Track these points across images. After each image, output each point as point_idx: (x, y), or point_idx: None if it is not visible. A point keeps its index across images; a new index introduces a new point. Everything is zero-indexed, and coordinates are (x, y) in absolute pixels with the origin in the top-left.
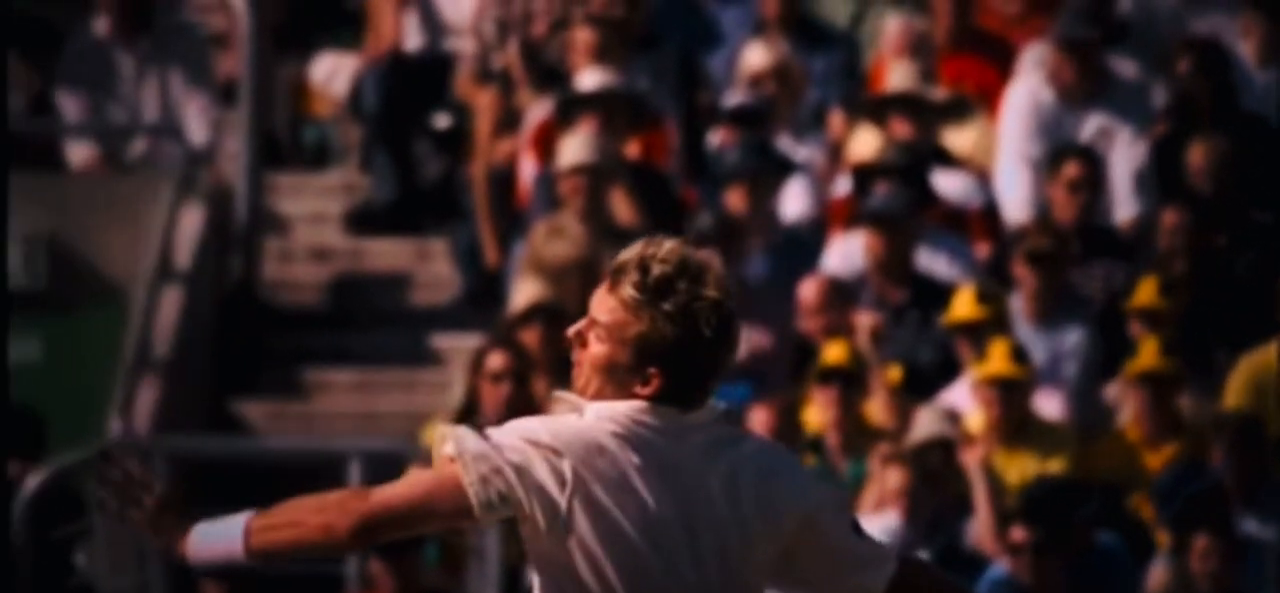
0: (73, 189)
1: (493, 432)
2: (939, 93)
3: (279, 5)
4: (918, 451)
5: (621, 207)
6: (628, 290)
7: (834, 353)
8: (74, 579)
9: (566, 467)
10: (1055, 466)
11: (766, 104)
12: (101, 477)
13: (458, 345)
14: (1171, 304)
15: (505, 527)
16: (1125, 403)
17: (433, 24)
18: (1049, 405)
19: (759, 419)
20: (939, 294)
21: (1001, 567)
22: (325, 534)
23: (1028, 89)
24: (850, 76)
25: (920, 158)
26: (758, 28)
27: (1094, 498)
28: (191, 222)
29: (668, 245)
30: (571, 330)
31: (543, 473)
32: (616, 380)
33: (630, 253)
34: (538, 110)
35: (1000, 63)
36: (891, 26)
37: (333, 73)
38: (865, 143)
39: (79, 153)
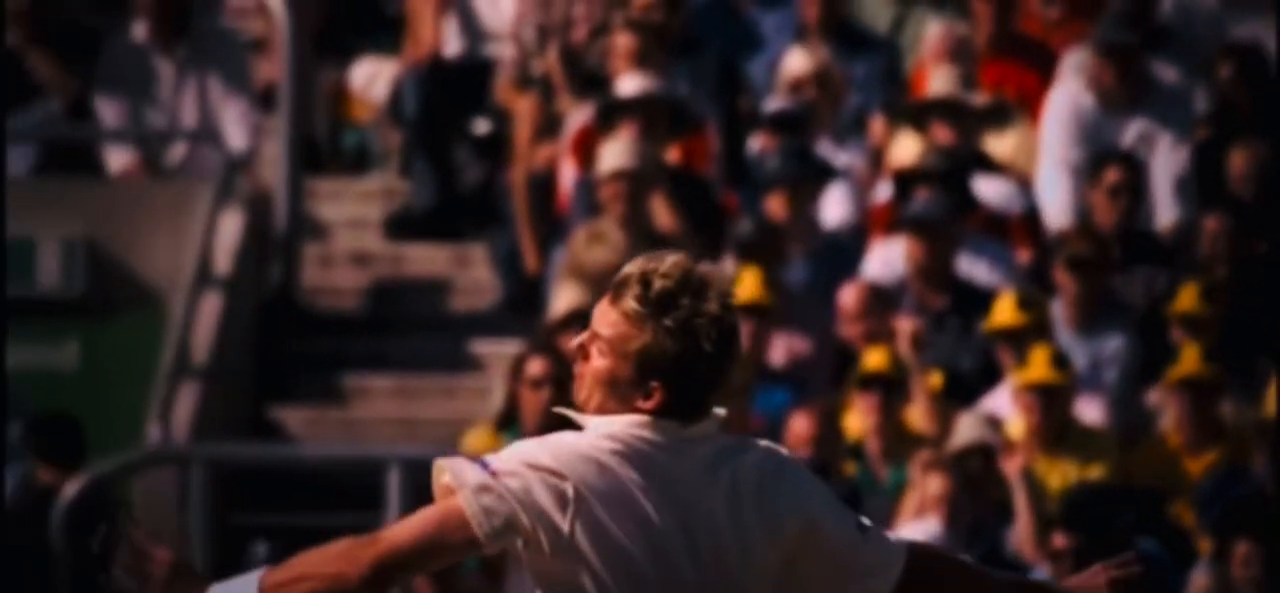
0: (111, 194)
1: (492, 458)
2: (980, 98)
3: (318, 10)
4: (958, 457)
5: (661, 212)
6: (629, 304)
7: (875, 359)
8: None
9: (568, 488)
10: (1096, 472)
11: (807, 109)
12: (116, 563)
13: (497, 351)
14: (1213, 310)
15: None
16: (1166, 409)
17: (473, 29)
18: (1090, 412)
19: (799, 426)
20: (980, 300)
21: (1042, 573)
22: (337, 584)
23: (1068, 94)
24: (891, 82)
25: (961, 163)
26: (798, 33)
27: (1135, 505)
28: (231, 227)
29: (670, 260)
30: (573, 343)
31: (544, 497)
32: (618, 394)
33: (632, 267)
34: (578, 116)
35: (1041, 68)
36: (932, 31)
37: (372, 78)
38: (906, 148)
39: (118, 158)
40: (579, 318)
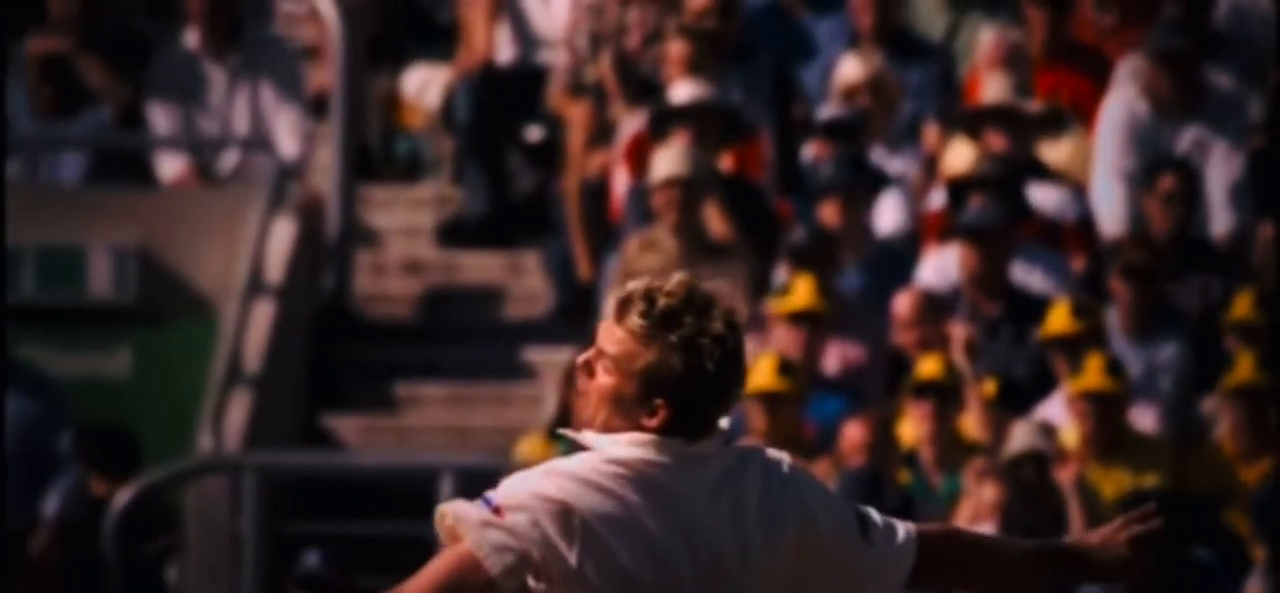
0: (163, 202)
1: (495, 494)
2: (1034, 105)
3: (371, 17)
4: (1012, 464)
5: (715, 220)
6: (634, 321)
7: (928, 367)
8: None
9: (575, 520)
10: (1150, 480)
11: (861, 117)
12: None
13: (550, 359)
14: (1267, 318)
15: None
16: (1221, 417)
17: (525, 36)
18: (1144, 420)
19: (853, 434)
20: (1034, 308)
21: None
22: None
23: (1123, 101)
24: (945, 89)
25: (1015, 171)
26: (852, 40)
27: (1189, 513)
28: (283, 235)
29: (676, 279)
30: (579, 360)
31: (552, 530)
32: (623, 411)
33: (637, 285)
34: (631, 123)
35: (1095, 75)
36: (986, 39)
37: (425, 85)
38: (960, 156)
39: (169, 166)
40: None
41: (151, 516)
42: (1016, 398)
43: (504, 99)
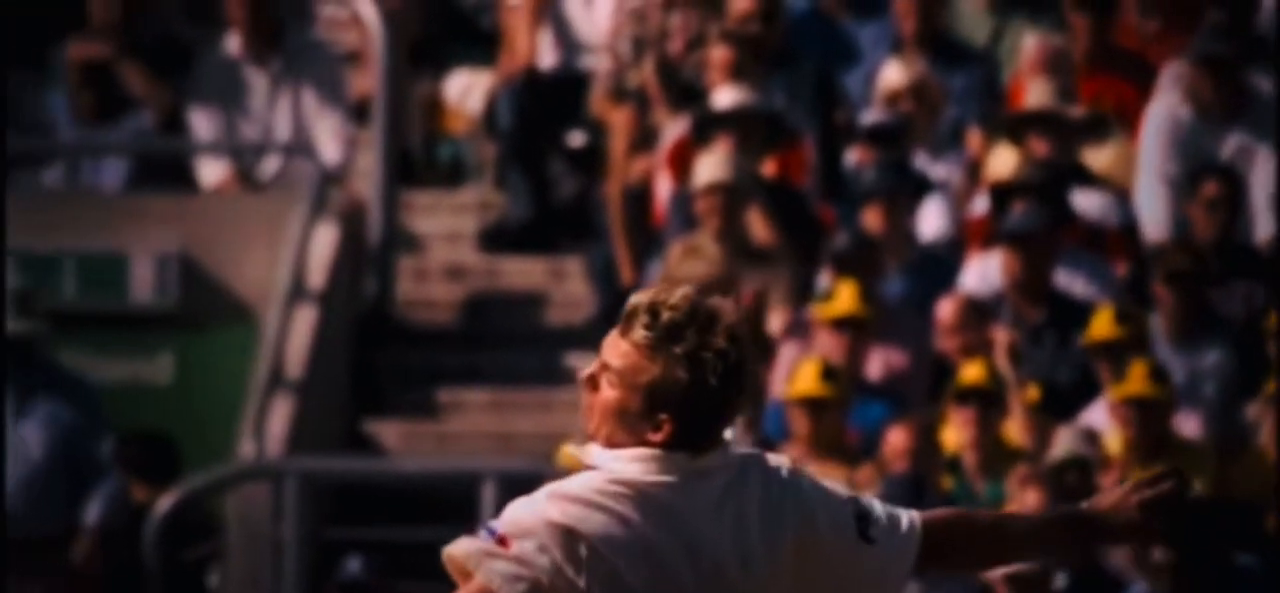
0: (205, 208)
1: (501, 524)
2: (1077, 111)
3: (413, 22)
4: (1055, 470)
5: (758, 226)
6: (639, 334)
7: (972, 373)
8: None
9: (581, 545)
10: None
11: (904, 122)
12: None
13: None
14: None
15: None
16: (1264, 423)
17: (568, 42)
18: (1188, 426)
19: (896, 439)
20: (1077, 314)
21: (1141, 588)
22: None
23: (1167, 107)
24: (988, 94)
25: (1059, 176)
26: (895, 45)
27: (1233, 519)
28: (325, 240)
29: (679, 293)
30: (584, 374)
31: (559, 555)
32: (627, 425)
33: (642, 298)
34: (674, 128)
35: (1139, 80)
36: (1030, 44)
37: (467, 90)
38: (1003, 161)
39: (211, 171)
40: None
41: (192, 522)
42: (1059, 404)
43: (546, 104)
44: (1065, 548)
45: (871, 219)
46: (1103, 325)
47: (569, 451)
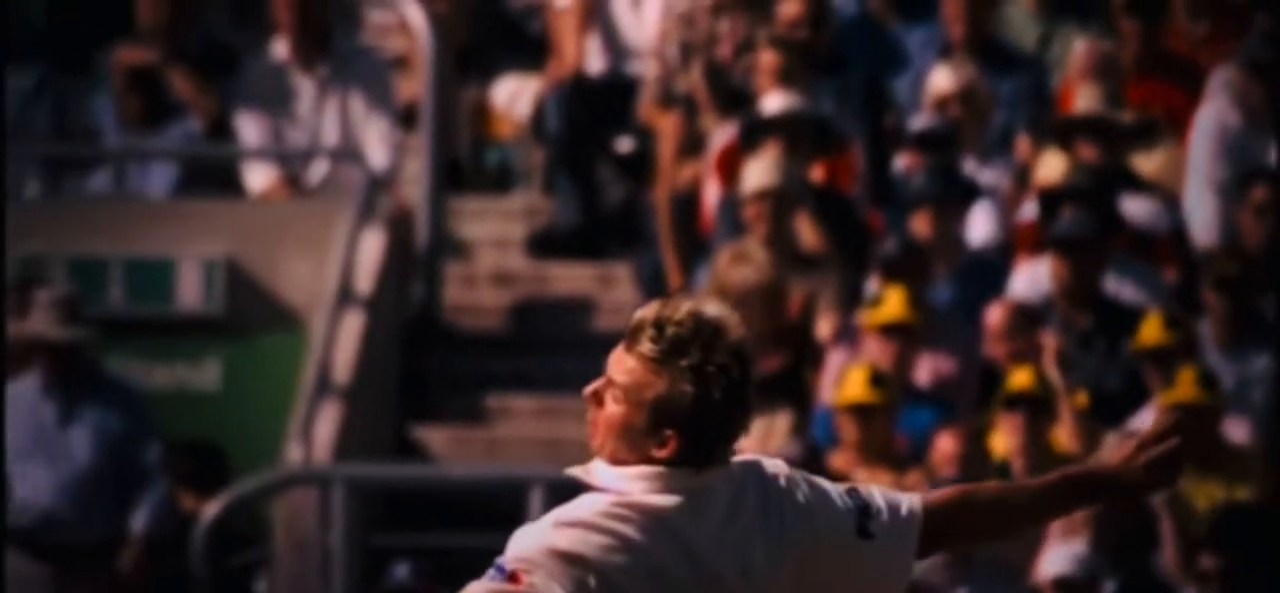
0: (252, 214)
1: (509, 559)
2: (1126, 116)
3: (461, 28)
4: None
5: (806, 231)
6: (645, 347)
7: (1020, 379)
8: None
9: (590, 576)
10: (1243, 493)
11: (952, 127)
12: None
13: None
14: None
15: None
16: None
17: (616, 47)
18: (1237, 431)
19: (945, 446)
20: (1126, 320)
21: None
22: None
23: (1216, 112)
24: (1037, 100)
25: (1107, 182)
26: (944, 50)
27: None
28: (372, 246)
29: (684, 308)
30: (588, 390)
31: (570, 585)
32: (631, 441)
33: (646, 312)
34: (722, 134)
35: (1188, 86)
36: (1079, 49)
37: (515, 96)
38: (1052, 167)
39: (258, 177)
40: None
41: (239, 529)
42: (1108, 410)
43: (594, 110)
44: (1071, 508)
45: (920, 225)
46: (1152, 331)
47: (572, 473)
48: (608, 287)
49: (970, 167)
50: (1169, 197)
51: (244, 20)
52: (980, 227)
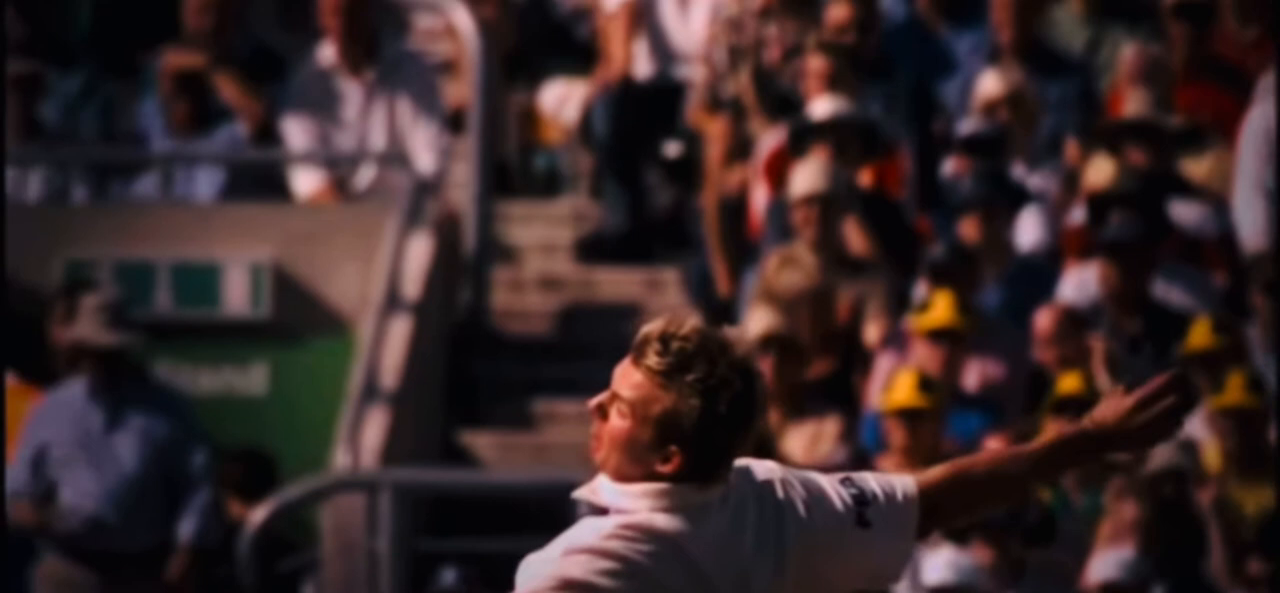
0: (299, 218)
1: (522, 591)
2: (1175, 120)
3: (508, 32)
4: (1152, 481)
5: (854, 236)
6: (652, 361)
7: (1069, 383)
8: None
9: None
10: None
11: (1001, 132)
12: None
13: None
14: None
15: None
16: None
17: (663, 51)
18: None
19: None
20: (1175, 324)
21: None
22: None
23: (1264, 116)
24: (1086, 104)
25: (1156, 186)
26: (992, 55)
27: None
28: (420, 251)
29: (690, 323)
30: (592, 403)
31: None
32: (636, 456)
33: (653, 327)
34: (770, 138)
35: (1237, 90)
36: (1127, 54)
37: (563, 100)
38: (1100, 171)
39: (305, 182)
40: (772, 343)
41: (286, 535)
42: None
43: (642, 114)
44: (1068, 468)
45: (968, 229)
46: (1200, 336)
47: (578, 495)
48: (655, 292)
49: (1019, 171)
50: (1217, 201)
51: (291, 24)
52: (1029, 231)
